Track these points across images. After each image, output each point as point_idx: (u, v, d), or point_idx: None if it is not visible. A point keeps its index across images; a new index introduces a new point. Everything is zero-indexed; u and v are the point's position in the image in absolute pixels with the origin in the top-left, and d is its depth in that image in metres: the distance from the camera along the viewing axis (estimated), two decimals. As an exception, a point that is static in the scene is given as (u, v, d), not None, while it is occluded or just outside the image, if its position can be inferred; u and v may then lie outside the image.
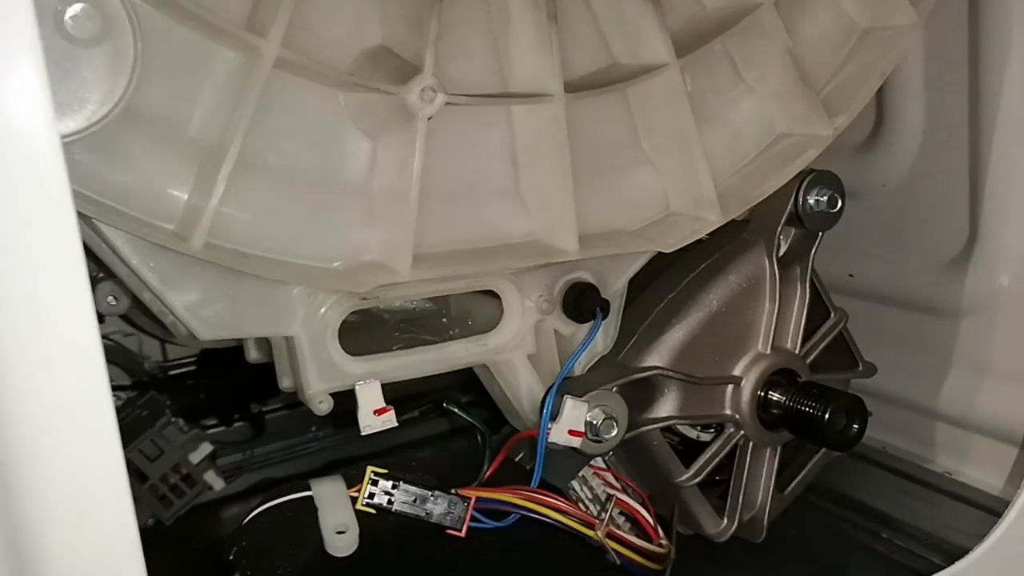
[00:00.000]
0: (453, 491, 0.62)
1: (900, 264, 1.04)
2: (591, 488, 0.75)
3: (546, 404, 0.65)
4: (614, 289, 0.72)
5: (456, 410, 0.70)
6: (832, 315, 0.82)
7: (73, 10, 0.47)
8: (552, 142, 0.62)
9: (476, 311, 0.72)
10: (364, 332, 0.67)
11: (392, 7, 0.57)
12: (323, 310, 0.60)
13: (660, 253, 0.72)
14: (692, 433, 0.78)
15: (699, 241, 0.74)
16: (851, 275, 1.09)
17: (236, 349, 0.92)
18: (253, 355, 0.72)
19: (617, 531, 0.66)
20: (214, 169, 0.52)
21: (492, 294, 0.70)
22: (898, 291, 1.04)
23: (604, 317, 0.69)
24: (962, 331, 0.99)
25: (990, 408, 0.96)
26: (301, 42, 0.53)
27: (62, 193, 0.33)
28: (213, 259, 0.53)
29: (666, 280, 0.77)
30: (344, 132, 0.59)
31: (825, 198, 0.76)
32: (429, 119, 0.57)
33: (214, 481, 0.90)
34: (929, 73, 0.96)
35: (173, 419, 0.81)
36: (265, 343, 0.71)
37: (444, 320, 0.75)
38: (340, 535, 0.58)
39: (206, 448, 0.96)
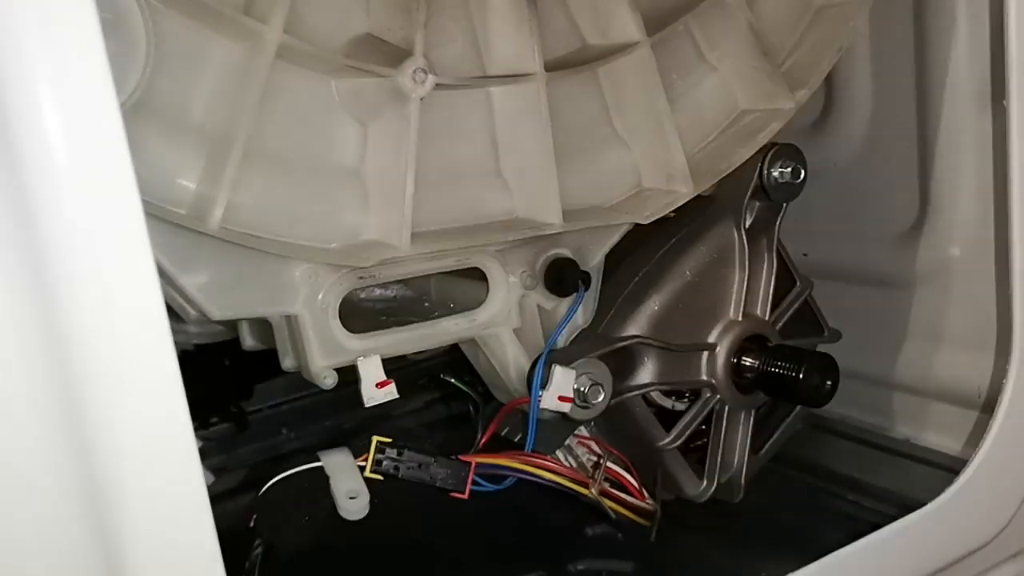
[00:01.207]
0: (454, 456, 0.65)
1: (853, 240, 1.08)
2: (576, 456, 0.79)
3: (536, 372, 0.69)
4: (592, 264, 0.76)
5: (453, 380, 0.73)
6: (798, 284, 0.86)
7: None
8: (534, 120, 0.66)
9: (456, 295, 0.75)
10: (349, 321, 0.69)
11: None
12: (324, 289, 0.63)
13: (631, 231, 0.77)
14: (667, 403, 0.82)
15: (668, 218, 0.78)
16: (805, 254, 1.13)
17: (210, 349, 0.94)
18: (249, 342, 0.74)
19: (609, 489, 0.70)
20: (222, 157, 0.55)
21: (471, 277, 0.73)
22: (852, 266, 1.09)
23: (587, 289, 0.73)
24: (916, 302, 1.03)
25: (946, 375, 1.00)
26: (293, 31, 0.56)
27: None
28: (227, 238, 0.55)
29: (639, 255, 0.81)
30: (335, 118, 0.62)
31: (789, 169, 0.80)
32: (421, 100, 0.60)
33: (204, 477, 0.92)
34: (876, 52, 1.00)
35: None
36: (260, 329, 0.74)
37: (426, 305, 0.78)
38: (352, 500, 0.60)
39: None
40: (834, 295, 1.04)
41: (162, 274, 0.57)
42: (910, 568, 0.76)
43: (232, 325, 0.78)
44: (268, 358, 0.98)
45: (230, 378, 1.01)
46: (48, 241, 0.35)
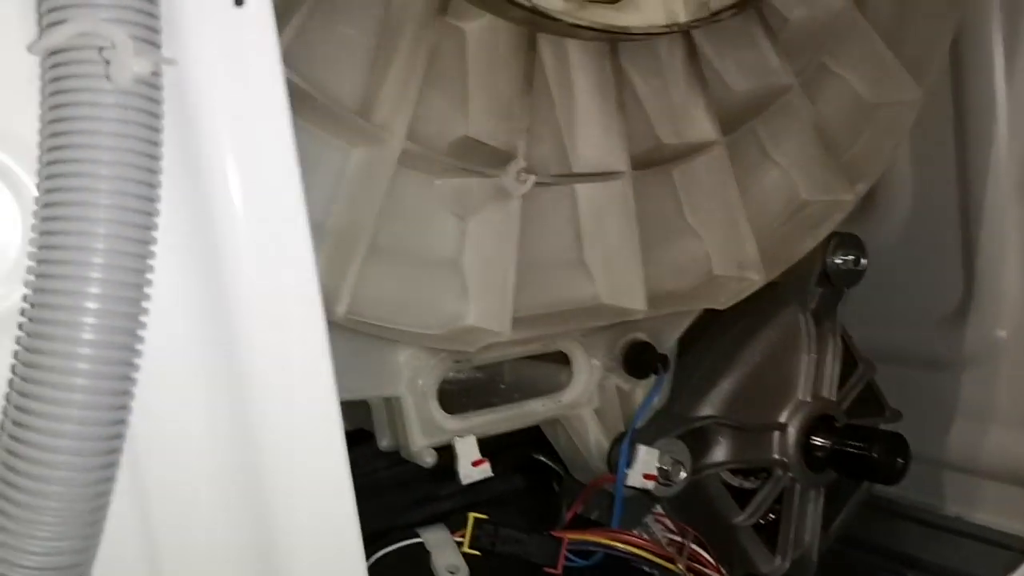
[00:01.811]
0: (546, 533, 0.68)
1: (900, 323, 1.11)
2: (652, 533, 0.81)
3: (623, 451, 0.72)
4: (668, 347, 0.79)
5: (545, 460, 0.77)
6: (860, 366, 0.90)
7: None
8: (620, 213, 0.70)
9: (531, 377, 0.79)
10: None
11: (479, 102, 0.65)
12: (425, 373, 0.67)
13: (699, 317, 0.80)
14: (735, 482, 0.85)
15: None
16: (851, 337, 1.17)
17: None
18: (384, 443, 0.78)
19: (694, 564, 0.72)
20: (347, 252, 0.59)
21: (544, 360, 0.77)
22: (899, 349, 1.11)
23: (666, 371, 0.76)
24: (964, 382, 1.06)
25: (998, 454, 1.02)
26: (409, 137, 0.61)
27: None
28: (350, 326, 0.59)
29: (710, 338, 0.84)
30: (437, 214, 0.67)
31: (851, 257, 0.85)
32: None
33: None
34: (917, 138, 1.05)
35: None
36: (348, 411, 0.78)
37: (501, 387, 0.82)
38: (453, 575, 0.63)
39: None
40: (882, 376, 1.08)
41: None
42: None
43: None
44: None
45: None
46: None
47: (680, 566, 0.71)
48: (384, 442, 0.70)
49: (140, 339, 0.35)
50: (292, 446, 0.44)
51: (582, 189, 0.72)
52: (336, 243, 0.60)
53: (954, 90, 0.99)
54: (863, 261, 0.86)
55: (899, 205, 1.11)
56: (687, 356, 0.84)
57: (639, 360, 0.77)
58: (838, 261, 0.84)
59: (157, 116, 0.34)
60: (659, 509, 0.82)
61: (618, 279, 0.72)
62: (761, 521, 0.85)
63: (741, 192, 0.80)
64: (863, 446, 0.79)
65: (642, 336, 0.78)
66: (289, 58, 0.55)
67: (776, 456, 0.81)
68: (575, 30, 0.62)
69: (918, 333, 1.09)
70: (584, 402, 0.76)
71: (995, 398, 1.03)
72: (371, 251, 0.62)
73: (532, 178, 0.64)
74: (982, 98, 0.97)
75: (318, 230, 0.60)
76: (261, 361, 0.43)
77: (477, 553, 0.66)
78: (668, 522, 0.82)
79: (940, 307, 1.07)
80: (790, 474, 0.81)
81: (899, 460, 0.79)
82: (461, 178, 0.65)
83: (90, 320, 0.32)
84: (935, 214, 1.06)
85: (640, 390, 0.79)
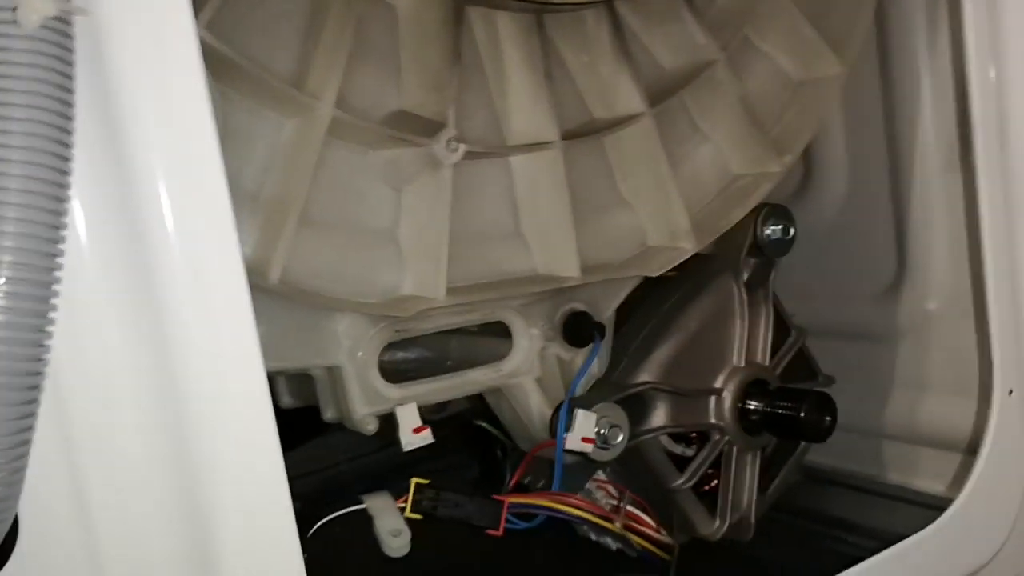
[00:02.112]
0: (488, 496, 0.69)
1: (837, 299, 1.14)
2: (595, 500, 0.83)
3: (561, 415, 0.74)
4: (605, 316, 0.82)
5: (486, 425, 0.78)
6: (792, 332, 0.92)
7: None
8: (553, 183, 0.72)
9: (476, 353, 0.81)
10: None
11: (410, 76, 0.67)
12: (365, 341, 0.68)
13: (638, 287, 0.83)
14: (677, 450, 0.87)
15: (672, 274, 0.85)
16: (792, 315, 1.20)
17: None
18: (286, 400, 0.79)
19: (632, 524, 0.74)
20: (279, 223, 0.60)
21: (488, 336, 0.79)
22: (837, 323, 1.14)
23: (602, 339, 0.78)
24: (900, 354, 1.09)
25: (932, 421, 1.06)
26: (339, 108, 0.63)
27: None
28: (284, 292, 0.60)
29: (647, 308, 0.87)
30: (371, 186, 0.68)
31: (780, 227, 0.87)
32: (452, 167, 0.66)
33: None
34: (849, 121, 1.08)
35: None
36: (298, 387, 0.79)
37: (448, 364, 0.83)
38: (396, 538, 0.64)
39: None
40: (820, 350, 1.10)
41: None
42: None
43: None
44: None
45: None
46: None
47: (618, 525, 0.73)
48: (328, 413, 0.71)
49: (56, 279, 0.35)
50: (219, 413, 0.45)
51: (516, 161, 0.74)
52: (269, 213, 0.61)
53: (881, 68, 1.02)
54: (792, 231, 0.88)
55: (835, 184, 1.14)
56: (626, 326, 0.86)
57: (577, 329, 0.79)
58: (768, 232, 0.87)
59: (68, 63, 0.35)
60: (602, 476, 0.84)
61: (552, 248, 0.74)
62: (706, 488, 0.87)
63: (674, 166, 0.82)
64: (792, 406, 0.81)
65: (580, 306, 0.80)
66: (217, 27, 0.56)
67: (712, 420, 0.84)
68: (503, 1, 0.64)
69: (856, 308, 1.13)
70: (525, 371, 0.77)
71: (928, 367, 1.06)
72: (306, 222, 0.64)
73: (462, 147, 0.65)
74: (907, 75, 1.00)
75: (252, 201, 0.62)
76: (185, 328, 0.44)
77: (420, 517, 0.67)
78: (611, 488, 0.84)
79: (876, 282, 1.10)
80: (727, 438, 0.84)
81: (826, 418, 0.81)
82: (393, 149, 0.66)
83: (5, 258, 0.33)
84: (868, 192, 1.10)
85: (580, 359, 0.80)
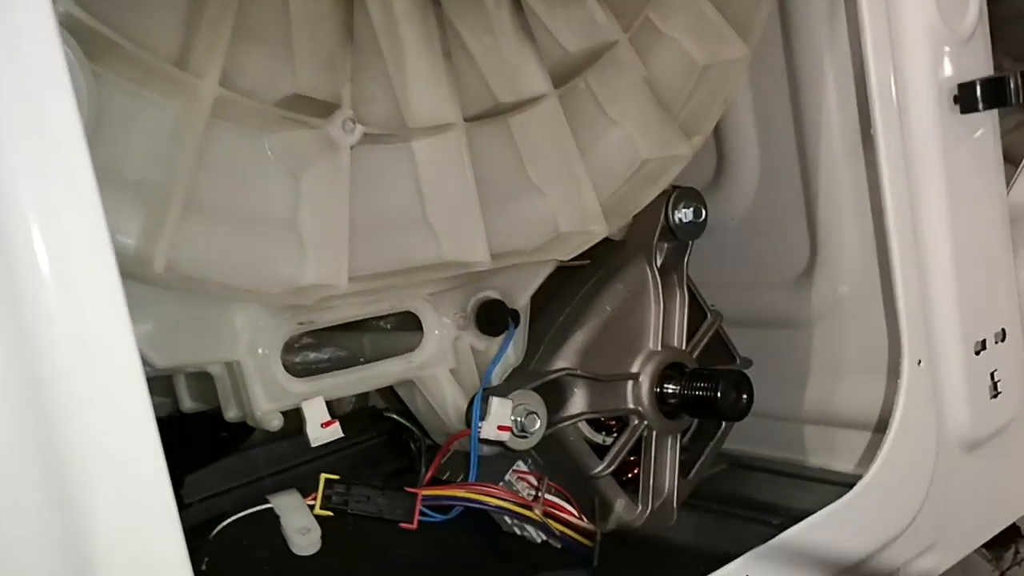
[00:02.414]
0: (401, 489, 0.67)
1: (753, 287, 1.15)
2: (517, 491, 0.81)
3: (475, 403, 0.72)
4: (520, 304, 0.80)
5: (396, 416, 0.76)
6: (708, 316, 0.92)
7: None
8: (456, 167, 0.71)
9: (389, 349, 0.78)
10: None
11: (303, 58, 0.65)
12: (265, 335, 0.65)
13: (553, 278, 0.82)
14: (598, 439, 0.86)
15: (587, 263, 0.84)
16: (712, 305, 1.20)
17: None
18: (188, 404, 0.75)
19: (552, 510, 0.73)
20: (162, 211, 0.57)
21: (403, 331, 0.77)
22: (754, 311, 1.15)
23: (516, 326, 0.77)
24: (815, 338, 1.10)
25: (847, 403, 1.07)
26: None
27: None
28: (169, 283, 0.57)
29: (563, 296, 0.86)
30: (268, 172, 0.65)
31: (691, 210, 0.87)
32: (352, 149, 0.64)
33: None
34: (758, 110, 1.09)
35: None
36: (199, 388, 0.75)
37: (361, 361, 0.81)
38: (303, 535, 0.62)
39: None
40: (739, 340, 1.11)
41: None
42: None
43: (168, 392, 0.79)
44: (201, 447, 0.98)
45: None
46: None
47: (537, 512, 0.71)
48: (230, 412, 0.68)
49: None
50: (92, 420, 0.42)
51: (419, 146, 0.72)
52: (154, 201, 0.58)
53: (785, 53, 1.04)
54: (704, 213, 0.88)
55: (747, 173, 1.15)
56: (542, 315, 0.85)
57: (490, 317, 0.77)
58: (679, 215, 0.87)
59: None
60: (523, 468, 0.82)
61: (460, 234, 0.72)
62: (628, 476, 0.87)
63: (583, 152, 0.82)
64: (708, 387, 0.81)
65: (493, 294, 0.79)
66: (89, 3, 0.53)
67: (631, 405, 0.83)
68: (395, -22, 0.62)
69: (772, 295, 1.13)
70: (437, 362, 0.75)
71: (841, 350, 1.07)
72: (196, 209, 0.61)
73: (359, 128, 0.63)
74: (810, 60, 1.01)
75: (136, 189, 0.59)
76: (50, 325, 0.41)
77: (330, 514, 0.64)
78: (533, 480, 0.82)
79: (790, 268, 1.11)
80: (645, 422, 0.83)
81: (743, 397, 0.81)
82: (289, 132, 0.64)
83: None
84: (780, 180, 1.11)
85: (495, 348, 0.79)
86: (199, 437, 0.98)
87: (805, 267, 1.10)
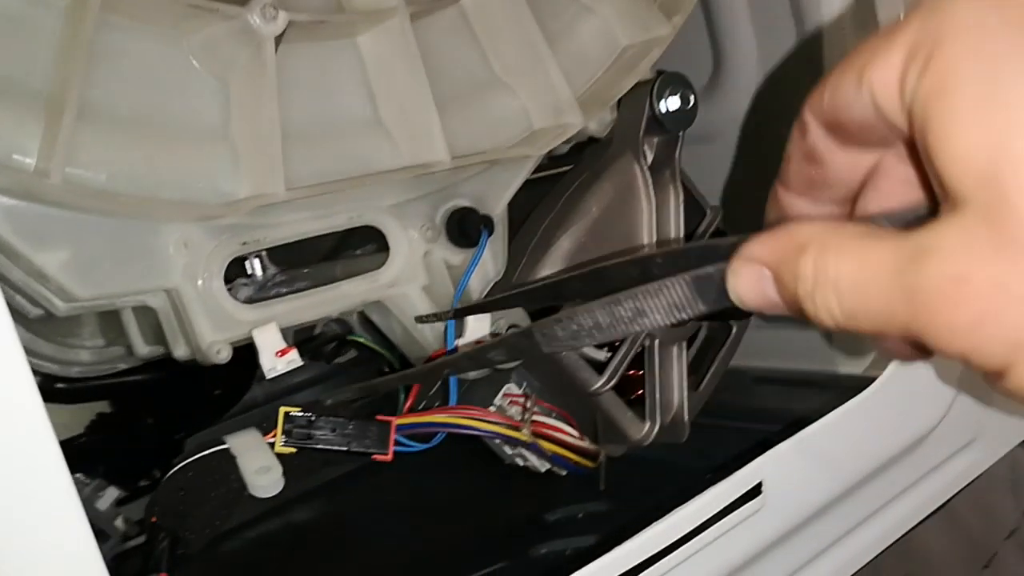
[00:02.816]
0: (371, 418, 0.61)
1: (763, 192, 1.08)
2: (510, 416, 0.75)
3: (449, 321, 0.65)
4: (497, 212, 0.73)
5: (363, 340, 0.69)
6: (707, 212, 0.85)
7: None
8: (404, 58, 0.63)
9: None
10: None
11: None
12: (204, 257, 0.59)
13: (535, 186, 0.74)
14: (601, 356, 0.79)
15: (570, 167, 0.77)
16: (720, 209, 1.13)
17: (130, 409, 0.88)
18: (142, 349, 0.69)
19: (546, 431, 0.66)
20: (57, 124, 0.51)
21: (379, 256, 0.70)
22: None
23: (490, 233, 0.70)
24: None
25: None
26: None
27: None
28: (74, 199, 0.51)
29: (545, 204, 0.78)
30: (192, 78, 0.58)
31: (677, 96, 0.79)
32: (277, 42, 0.56)
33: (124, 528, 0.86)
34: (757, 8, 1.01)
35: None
36: (151, 328, 0.69)
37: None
38: (262, 476, 0.56)
39: (112, 493, 0.91)
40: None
41: (14, 254, 0.52)
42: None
43: (124, 339, 0.73)
44: (197, 408, 0.92)
45: (150, 438, 0.95)
46: None
47: (525, 432, 0.64)
48: (179, 351, 0.61)
49: None
50: None
51: (363, 41, 0.65)
52: (51, 111, 0.51)
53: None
54: (692, 99, 0.80)
55: (747, 69, 1.08)
56: (525, 225, 0.78)
57: (463, 227, 0.70)
58: (665, 104, 0.79)
59: None
60: (515, 391, 0.75)
61: (415, 132, 0.65)
62: (634, 396, 0.80)
63: (554, 42, 0.74)
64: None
65: (464, 202, 0.71)
66: None
67: (628, 313, 0.76)
68: None
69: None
70: (407, 279, 0.69)
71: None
72: (109, 120, 0.54)
73: (283, 14, 0.56)
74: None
75: (35, 100, 0.52)
76: None
77: (293, 451, 0.58)
78: (526, 402, 0.75)
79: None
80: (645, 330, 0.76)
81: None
82: (205, 28, 0.57)
83: None
84: (781, 75, 1.03)
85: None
86: (191, 398, 0.92)
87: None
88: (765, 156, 1.07)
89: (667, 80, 0.79)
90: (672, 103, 0.79)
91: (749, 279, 0.35)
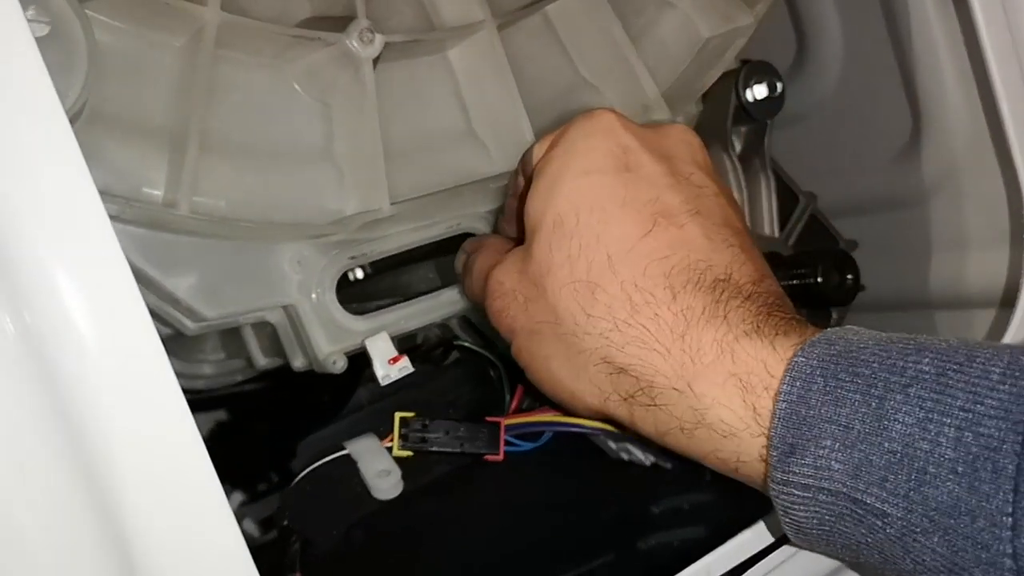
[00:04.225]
0: (481, 421, 0.63)
1: (852, 170, 1.06)
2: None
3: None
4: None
5: (468, 344, 0.72)
6: (801, 199, 0.84)
7: (29, 13, 0.49)
8: (493, 69, 0.65)
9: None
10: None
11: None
12: (316, 273, 0.62)
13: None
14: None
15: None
16: (815, 195, 1.12)
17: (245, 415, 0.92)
18: (261, 361, 0.73)
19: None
20: (180, 154, 0.54)
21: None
22: (855, 197, 1.07)
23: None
24: (927, 215, 1.01)
25: (969, 280, 0.98)
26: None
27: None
28: (201, 226, 0.54)
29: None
30: (297, 103, 0.61)
31: (764, 86, 0.79)
32: (375, 63, 0.59)
33: (251, 529, 0.90)
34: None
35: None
36: (269, 341, 0.73)
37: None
38: (383, 478, 0.58)
39: (237, 498, 0.95)
40: (850, 229, 1.03)
41: (148, 281, 0.56)
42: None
43: (244, 353, 0.77)
44: (308, 414, 0.96)
45: (267, 444, 1.00)
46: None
47: (630, 427, 0.66)
48: (297, 362, 0.65)
49: None
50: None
51: (454, 55, 0.67)
52: (174, 146, 0.55)
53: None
54: (779, 86, 0.80)
55: (831, 47, 1.06)
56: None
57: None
58: (752, 92, 0.79)
59: None
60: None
61: (507, 140, 0.67)
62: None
63: (637, 40, 0.75)
64: (807, 272, 0.74)
65: (557, 205, 0.73)
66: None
67: (725, 304, 0.76)
68: None
69: (874, 176, 1.04)
70: (507, 283, 0.70)
71: (956, 224, 0.98)
72: (224, 150, 0.58)
73: (379, 37, 0.58)
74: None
75: (159, 137, 0.56)
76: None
77: (410, 454, 0.61)
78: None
79: (890, 144, 1.02)
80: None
81: (847, 277, 0.74)
82: (309, 56, 0.60)
83: None
84: (868, 48, 1.01)
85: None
86: (301, 405, 0.96)
87: (908, 140, 1.00)
88: (853, 136, 1.07)
89: (753, 69, 0.79)
90: (759, 91, 0.79)
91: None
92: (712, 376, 0.45)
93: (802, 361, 0.43)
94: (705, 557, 0.53)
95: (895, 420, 0.40)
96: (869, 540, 0.41)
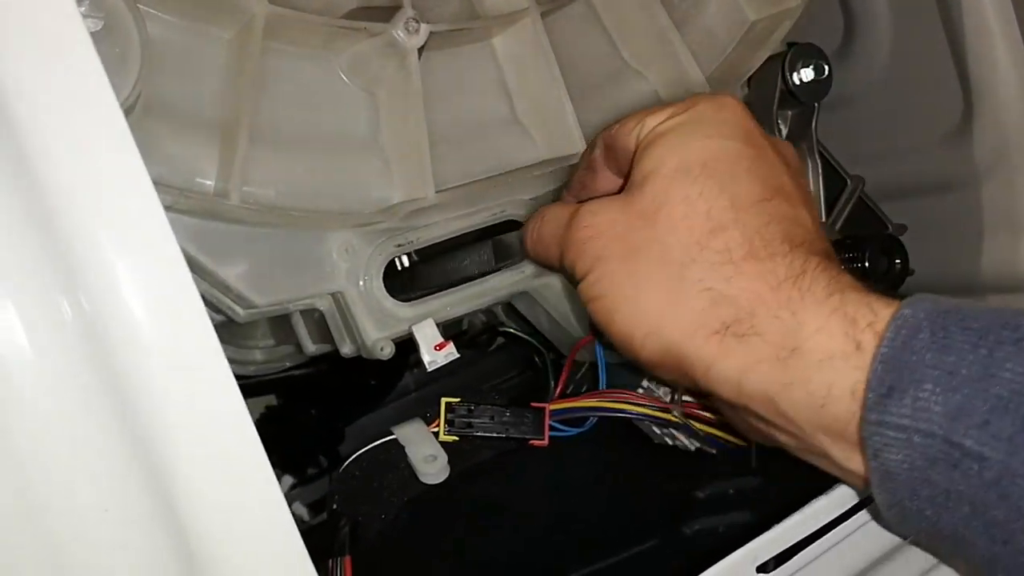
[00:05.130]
0: (526, 406, 0.63)
1: (900, 153, 1.05)
2: (659, 398, 0.76)
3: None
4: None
5: (513, 330, 0.72)
6: (848, 182, 0.83)
7: (83, 9, 0.50)
8: (539, 57, 0.65)
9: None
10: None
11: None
12: (364, 261, 0.63)
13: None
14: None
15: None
16: (862, 178, 1.10)
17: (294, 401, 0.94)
18: (311, 347, 0.74)
19: (694, 409, 0.67)
20: (232, 145, 0.55)
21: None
22: (905, 179, 1.05)
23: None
24: (979, 196, 0.99)
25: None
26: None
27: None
28: (251, 215, 0.55)
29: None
30: (344, 93, 0.62)
31: (811, 68, 0.78)
32: (420, 52, 0.59)
33: (301, 512, 0.92)
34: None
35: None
36: (318, 328, 0.74)
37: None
38: (430, 463, 0.59)
39: (287, 481, 0.97)
40: (902, 213, 1.01)
41: (200, 269, 0.57)
42: None
43: (293, 339, 0.78)
44: (355, 398, 0.98)
45: (315, 428, 1.01)
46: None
47: (676, 413, 0.66)
48: (345, 348, 0.66)
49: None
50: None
51: (498, 43, 0.67)
52: (225, 136, 0.56)
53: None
54: (827, 69, 0.79)
55: (880, 27, 1.04)
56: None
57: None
58: (799, 75, 0.78)
59: None
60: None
61: (551, 126, 0.67)
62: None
63: (682, 25, 0.75)
64: (855, 256, 0.73)
65: (600, 192, 0.73)
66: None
67: (770, 289, 0.76)
68: None
69: (923, 159, 1.02)
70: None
71: (1011, 205, 0.96)
72: (273, 140, 0.59)
73: (424, 26, 0.59)
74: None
75: (210, 128, 0.57)
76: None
77: (456, 439, 0.62)
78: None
79: (941, 127, 1.00)
80: (790, 306, 0.75)
81: (896, 261, 0.72)
82: (355, 46, 0.60)
83: None
84: (917, 27, 0.99)
85: (613, 250, 0.73)
86: (349, 389, 0.98)
87: (958, 122, 0.98)
88: (902, 119, 1.05)
89: (799, 52, 0.78)
90: (805, 75, 0.78)
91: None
92: (819, 308, 0.46)
93: (908, 313, 0.44)
94: (750, 542, 0.53)
95: (1004, 368, 0.40)
96: (961, 488, 0.41)
